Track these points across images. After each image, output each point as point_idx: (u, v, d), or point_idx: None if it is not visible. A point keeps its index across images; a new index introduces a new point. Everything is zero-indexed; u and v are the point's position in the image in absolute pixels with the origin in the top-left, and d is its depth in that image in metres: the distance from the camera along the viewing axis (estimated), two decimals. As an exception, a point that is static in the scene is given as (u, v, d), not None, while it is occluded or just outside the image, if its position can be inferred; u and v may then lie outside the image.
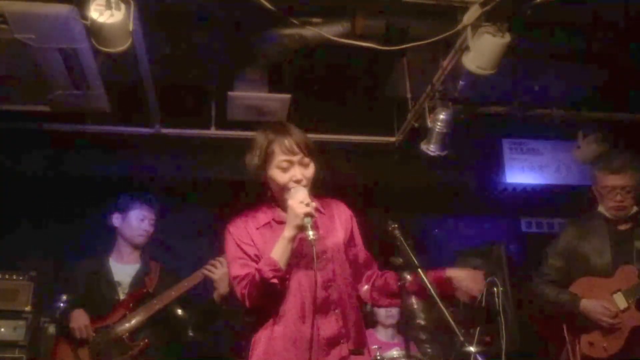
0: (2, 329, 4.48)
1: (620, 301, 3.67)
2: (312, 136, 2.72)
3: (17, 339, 4.48)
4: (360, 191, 5.23)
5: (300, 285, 2.54)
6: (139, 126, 4.89)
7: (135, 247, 4.18)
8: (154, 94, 4.37)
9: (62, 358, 3.83)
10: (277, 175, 2.57)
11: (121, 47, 3.33)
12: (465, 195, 5.74)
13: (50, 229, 5.20)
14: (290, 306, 2.52)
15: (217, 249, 3.64)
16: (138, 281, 4.08)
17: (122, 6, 3.19)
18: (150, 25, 3.62)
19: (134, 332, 3.91)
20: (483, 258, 5.02)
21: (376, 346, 4.19)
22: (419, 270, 2.45)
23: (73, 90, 4.01)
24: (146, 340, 3.90)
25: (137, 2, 3.27)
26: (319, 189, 2.65)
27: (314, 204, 2.49)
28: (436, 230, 5.86)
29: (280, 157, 2.56)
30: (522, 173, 5.65)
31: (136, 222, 4.16)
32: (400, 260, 2.54)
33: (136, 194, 4.29)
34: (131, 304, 3.96)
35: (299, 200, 2.46)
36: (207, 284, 3.96)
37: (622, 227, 3.87)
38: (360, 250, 2.77)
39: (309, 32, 3.88)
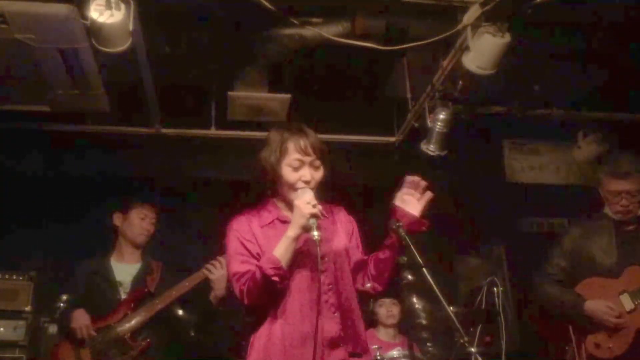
0: (2, 329, 4.48)
1: (627, 302, 3.65)
2: (313, 136, 2.72)
3: (17, 339, 4.49)
4: (360, 191, 5.23)
5: (300, 286, 2.53)
6: (139, 126, 4.89)
7: (136, 246, 4.17)
8: (154, 94, 4.37)
9: (63, 358, 3.82)
10: (287, 173, 2.58)
11: (121, 47, 3.33)
12: (465, 195, 5.73)
13: (50, 229, 5.19)
14: (290, 307, 2.51)
15: (217, 248, 3.64)
16: (139, 281, 4.07)
17: (122, 6, 3.20)
18: (150, 25, 3.62)
19: (135, 332, 3.90)
20: (483, 258, 5.03)
21: (376, 346, 4.19)
22: (424, 269, 2.44)
23: (73, 90, 4.02)
24: (147, 341, 3.90)
25: (137, 2, 3.27)
26: (320, 190, 2.65)
27: (319, 207, 2.49)
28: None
29: (293, 156, 2.57)
30: (522, 173, 5.65)
31: (137, 221, 4.15)
32: (405, 259, 2.54)
33: (137, 193, 4.29)
34: (132, 304, 3.95)
35: (306, 201, 2.46)
36: (208, 284, 3.96)
37: (629, 228, 3.85)
38: (361, 255, 2.77)
39: (309, 32, 3.88)
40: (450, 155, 4.43)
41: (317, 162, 2.60)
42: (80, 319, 3.81)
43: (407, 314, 4.00)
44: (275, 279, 2.44)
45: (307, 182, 2.56)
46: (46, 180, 5.15)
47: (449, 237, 5.80)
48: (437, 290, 2.36)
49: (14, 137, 4.83)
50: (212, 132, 4.86)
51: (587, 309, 3.71)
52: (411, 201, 2.64)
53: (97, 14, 3.16)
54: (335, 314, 2.54)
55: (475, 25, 3.49)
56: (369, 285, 2.69)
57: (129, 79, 4.25)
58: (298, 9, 3.72)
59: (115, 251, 4.18)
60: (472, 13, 3.45)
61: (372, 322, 4.69)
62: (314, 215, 2.43)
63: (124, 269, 4.10)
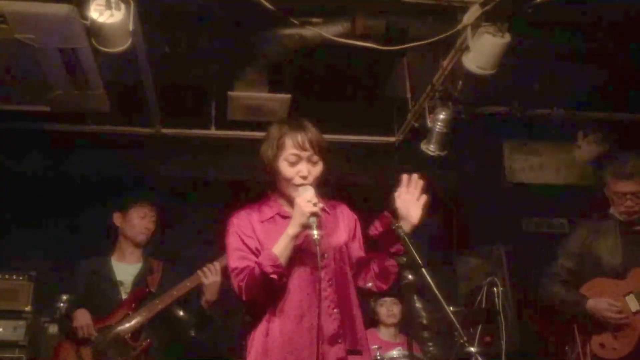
0: (2, 329, 4.48)
1: (633, 303, 3.64)
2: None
3: (17, 339, 4.49)
4: (360, 191, 5.23)
5: (299, 283, 2.53)
6: (139, 126, 4.89)
7: (137, 245, 4.17)
8: (154, 94, 4.38)
9: (64, 358, 3.82)
10: (284, 168, 2.58)
11: (121, 47, 3.33)
12: (465, 195, 5.74)
13: (50, 229, 5.20)
14: (289, 304, 2.52)
15: (217, 248, 3.64)
16: (140, 280, 4.07)
17: (122, 6, 3.20)
18: (150, 25, 3.62)
19: (136, 333, 3.90)
20: (483, 258, 5.03)
21: (376, 346, 4.18)
22: (423, 269, 2.44)
23: (73, 90, 4.02)
24: (148, 341, 3.90)
25: (137, 2, 3.27)
26: (321, 189, 2.65)
27: (320, 204, 2.49)
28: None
29: (290, 151, 2.57)
30: (522, 173, 5.65)
31: (137, 220, 4.15)
32: (404, 259, 2.54)
33: (137, 192, 4.29)
34: (134, 304, 3.95)
35: (307, 199, 2.46)
36: (201, 288, 3.96)
37: (635, 229, 3.84)
38: (362, 253, 2.77)
39: (309, 32, 3.88)
40: (450, 155, 4.43)
41: (315, 158, 2.60)
42: (82, 319, 3.81)
43: (408, 313, 4.00)
44: (274, 276, 2.44)
45: (304, 177, 2.55)
46: (46, 180, 5.16)
47: (449, 237, 5.81)
48: (436, 291, 2.36)
49: (14, 137, 4.83)
50: (212, 132, 4.86)
51: (589, 307, 3.70)
52: (410, 201, 2.63)
53: (97, 14, 3.16)
54: (335, 310, 2.54)
55: (475, 25, 3.49)
56: (370, 284, 2.69)
57: (129, 79, 4.25)
58: (298, 9, 3.72)
59: (116, 251, 4.18)
60: (472, 13, 3.45)
61: (372, 321, 4.69)
62: (314, 214, 2.43)
63: (125, 269, 4.10)
